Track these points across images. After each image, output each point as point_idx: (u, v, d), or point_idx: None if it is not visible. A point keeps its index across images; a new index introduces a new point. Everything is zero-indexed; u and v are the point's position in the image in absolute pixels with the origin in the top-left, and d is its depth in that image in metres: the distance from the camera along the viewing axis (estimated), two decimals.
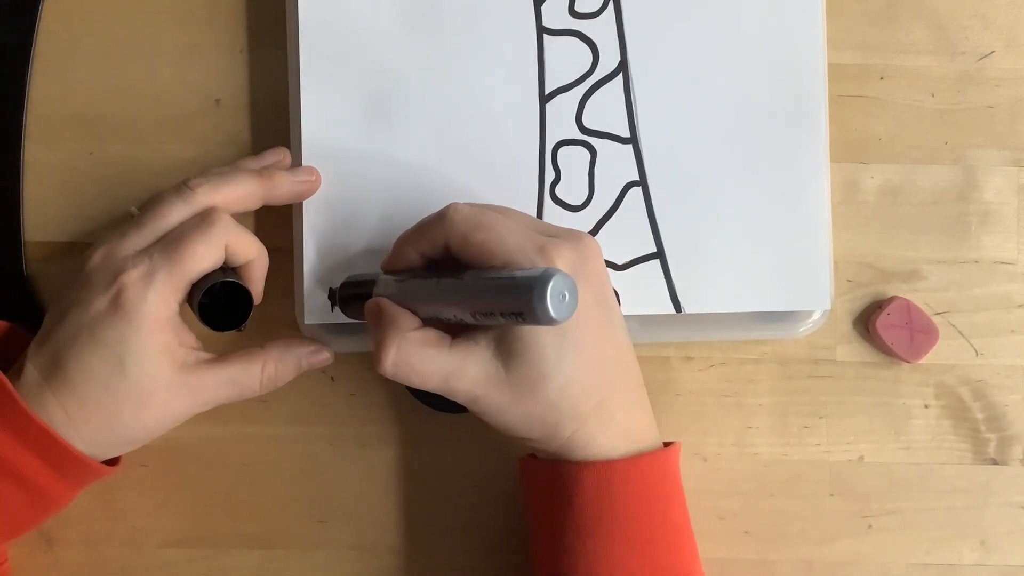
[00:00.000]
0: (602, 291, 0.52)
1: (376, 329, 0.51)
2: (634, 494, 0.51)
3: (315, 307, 0.57)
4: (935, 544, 0.60)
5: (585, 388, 0.50)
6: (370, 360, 0.59)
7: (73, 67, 0.60)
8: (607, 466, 0.51)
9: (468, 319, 0.48)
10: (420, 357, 0.49)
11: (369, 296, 0.53)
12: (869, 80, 0.61)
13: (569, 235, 0.51)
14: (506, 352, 0.50)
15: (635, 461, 0.51)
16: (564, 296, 0.44)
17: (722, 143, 0.58)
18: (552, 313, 0.44)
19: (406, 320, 0.50)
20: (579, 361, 0.50)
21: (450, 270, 0.50)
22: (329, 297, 0.57)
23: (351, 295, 0.55)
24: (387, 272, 0.54)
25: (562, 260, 0.49)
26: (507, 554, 0.59)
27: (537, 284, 0.44)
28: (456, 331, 0.51)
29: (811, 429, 0.60)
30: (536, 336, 0.49)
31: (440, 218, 0.51)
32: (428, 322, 0.51)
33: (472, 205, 0.51)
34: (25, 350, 0.53)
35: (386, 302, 0.51)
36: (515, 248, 0.49)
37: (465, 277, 0.49)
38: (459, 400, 0.51)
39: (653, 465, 0.52)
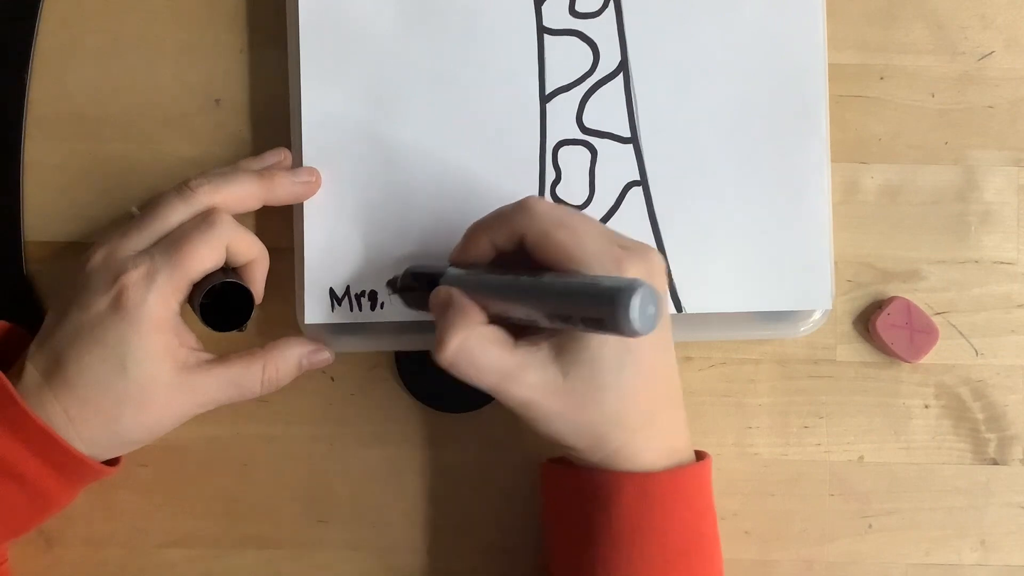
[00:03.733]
0: (664, 309, 0.52)
1: (442, 317, 0.50)
2: (672, 507, 0.51)
3: (315, 307, 0.57)
4: (935, 544, 0.60)
5: (639, 404, 0.50)
6: (371, 360, 0.59)
7: (73, 67, 0.59)
8: (648, 478, 0.51)
9: (541, 320, 0.47)
10: (484, 353, 0.48)
11: (433, 288, 0.52)
12: (869, 80, 0.61)
13: (640, 249, 0.51)
14: (568, 360, 0.49)
15: (675, 474, 0.51)
16: (649, 309, 0.43)
17: (723, 143, 0.58)
18: (636, 324, 0.43)
19: (475, 313, 0.49)
20: (637, 377, 0.50)
21: (518, 268, 0.49)
22: (388, 284, 0.56)
23: (414, 286, 0.54)
24: (455, 264, 0.53)
25: (635, 274, 0.48)
26: (508, 554, 0.59)
27: (624, 294, 0.43)
28: (514, 333, 0.50)
29: (811, 429, 0.60)
30: (600, 348, 0.49)
31: (521, 209, 0.50)
32: (492, 320, 0.50)
33: (550, 202, 0.51)
34: (25, 350, 0.53)
35: (456, 292, 0.50)
36: (593, 254, 0.49)
37: (545, 277, 0.48)
38: (510, 404, 0.50)
39: (692, 479, 0.52)
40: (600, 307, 0.44)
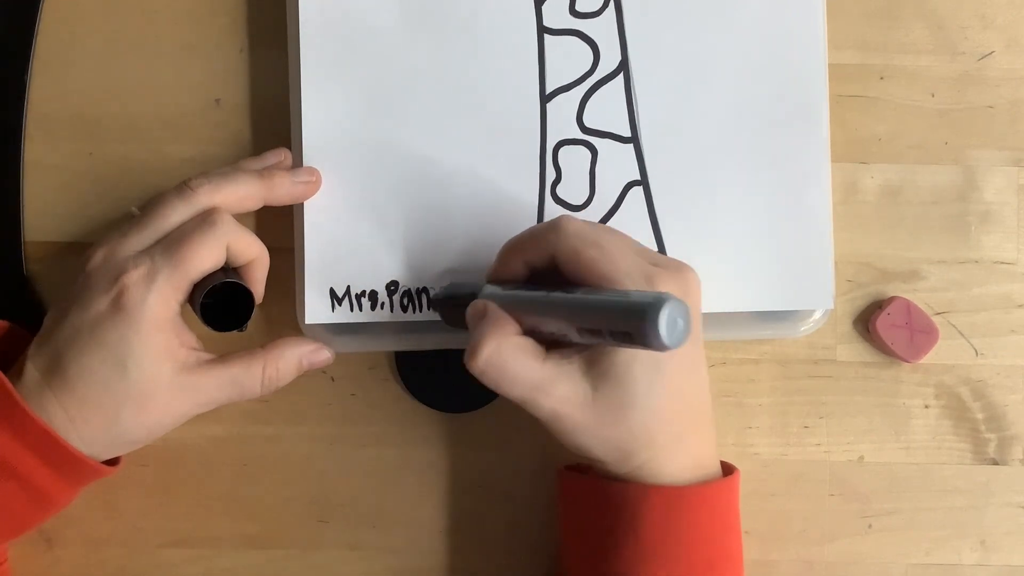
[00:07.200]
0: (697, 327, 0.52)
1: (477, 326, 0.50)
2: (699, 521, 0.51)
3: (315, 307, 0.57)
4: (935, 544, 0.60)
5: (667, 421, 0.50)
6: (371, 360, 0.59)
7: (73, 67, 0.59)
8: (676, 492, 0.51)
9: (572, 334, 0.47)
10: (515, 362, 0.49)
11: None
12: (869, 80, 0.61)
13: (674, 266, 0.51)
14: (598, 375, 0.49)
15: (703, 489, 0.51)
16: (678, 323, 0.43)
17: (723, 143, 0.58)
18: (664, 338, 0.43)
19: (509, 324, 0.50)
20: (667, 394, 0.50)
21: (550, 285, 0.50)
22: (431, 300, 0.57)
23: (453, 302, 0.55)
24: (491, 282, 0.53)
25: (667, 291, 0.48)
26: (508, 554, 0.59)
27: (652, 308, 0.43)
28: (547, 347, 0.50)
29: (811, 429, 0.60)
30: (630, 363, 0.49)
31: (552, 229, 0.51)
32: (527, 334, 0.50)
33: (584, 220, 0.51)
34: (25, 350, 0.53)
35: (492, 304, 0.51)
36: (624, 271, 0.49)
37: (577, 292, 0.48)
38: (539, 415, 0.50)
39: (720, 494, 0.52)
40: (629, 320, 0.44)
